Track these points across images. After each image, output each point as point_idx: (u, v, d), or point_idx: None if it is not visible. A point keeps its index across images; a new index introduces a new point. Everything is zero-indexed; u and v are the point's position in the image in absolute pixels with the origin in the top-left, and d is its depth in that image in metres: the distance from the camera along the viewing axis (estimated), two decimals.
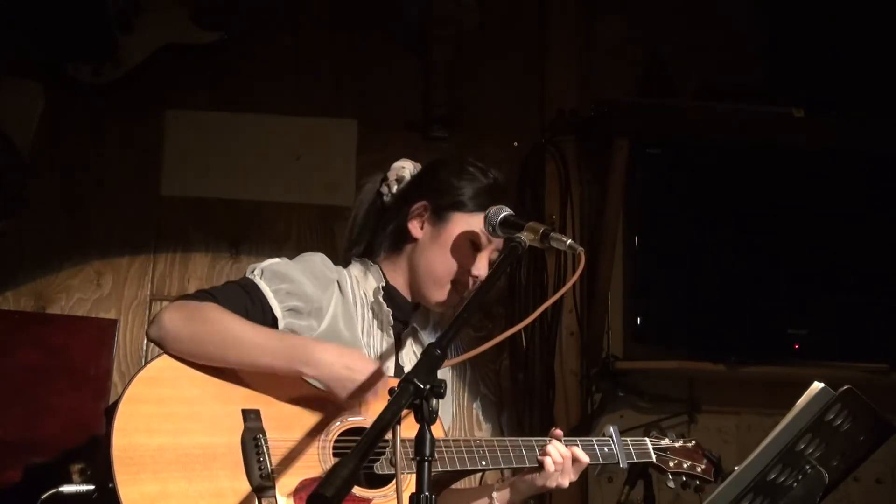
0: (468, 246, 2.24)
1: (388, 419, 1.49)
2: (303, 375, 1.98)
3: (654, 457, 2.33)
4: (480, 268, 2.25)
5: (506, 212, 2.18)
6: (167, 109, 3.57)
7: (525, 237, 2.01)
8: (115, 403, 1.88)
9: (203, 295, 2.02)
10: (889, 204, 3.58)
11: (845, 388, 1.81)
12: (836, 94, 3.61)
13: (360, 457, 1.44)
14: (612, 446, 2.26)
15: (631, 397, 3.59)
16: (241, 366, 1.97)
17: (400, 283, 2.29)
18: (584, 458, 2.18)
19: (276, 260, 2.16)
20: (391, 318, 2.25)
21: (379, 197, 2.39)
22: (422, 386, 1.53)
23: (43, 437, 3.18)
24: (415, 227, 2.27)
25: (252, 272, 2.12)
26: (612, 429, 2.30)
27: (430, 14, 3.64)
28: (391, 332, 2.26)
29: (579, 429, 3.50)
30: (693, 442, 2.42)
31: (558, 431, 2.22)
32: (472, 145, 3.63)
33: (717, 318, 3.48)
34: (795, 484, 1.84)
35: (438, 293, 2.24)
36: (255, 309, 2.05)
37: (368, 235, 2.36)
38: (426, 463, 1.53)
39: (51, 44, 3.44)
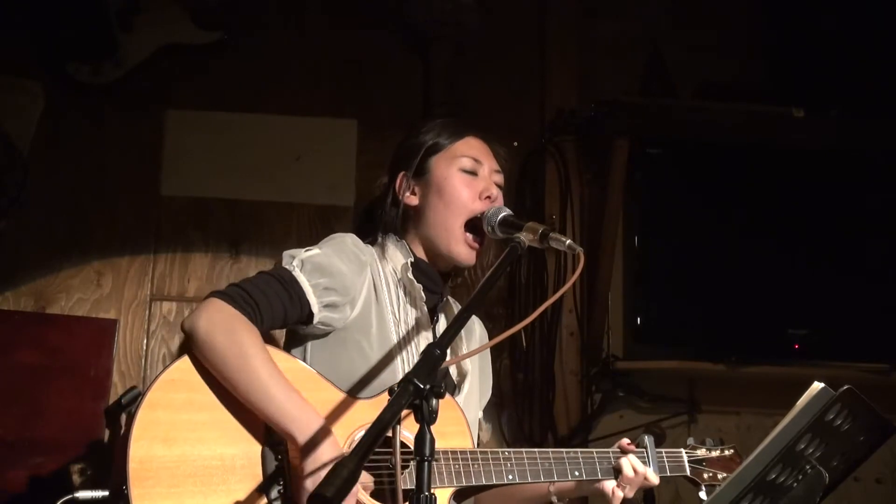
0: (464, 175, 2.23)
1: (388, 419, 1.49)
2: (288, 443, 1.90)
3: (688, 470, 2.31)
4: (488, 187, 2.24)
5: (505, 212, 2.18)
6: (167, 109, 3.58)
7: (524, 237, 1.99)
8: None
9: (243, 296, 1.95)
10: (889, 204, 3.59)
11: (845, 388, 1.81)
12: (836, 94, 3.61)
13: (361, 457, 1.43)
14: (647, 459, 2.24)
15: (631, 397, 3.60)
16: (245, 401, 1.90)
17: (425, 254, 2.27)
18: (655, 481, 2.20)
19: (316, 251, 2.11)
20: (422, 292, 2.22)
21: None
22: (422, 386, 1.53)
23: (43, 437, 3.18)
24: (407, 198, 2.27)
25: (290, 263, 2.07)
26: (647, 439, 2.26)
27: (430, 14, 3.64)
28: (424, 307, 2.23)
29: (579, 429, 3.50)
30: (732, 450, 2.37)
31: (628, 444, 2.23)
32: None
33: (717, 318, 3.48)
34: (795, 484, 1.84)
35: (458, 243, 2.21)
36: (294, 305, 2.02)
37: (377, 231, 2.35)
38: (426, 463, 1.53)
39: (51, 44, 3.45)
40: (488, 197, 2.23)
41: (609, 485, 2.20)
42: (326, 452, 1.84)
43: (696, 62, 3.84)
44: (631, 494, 2.19)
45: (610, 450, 2.22)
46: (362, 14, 3.74)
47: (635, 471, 2.17)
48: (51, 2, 3.42)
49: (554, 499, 2.21)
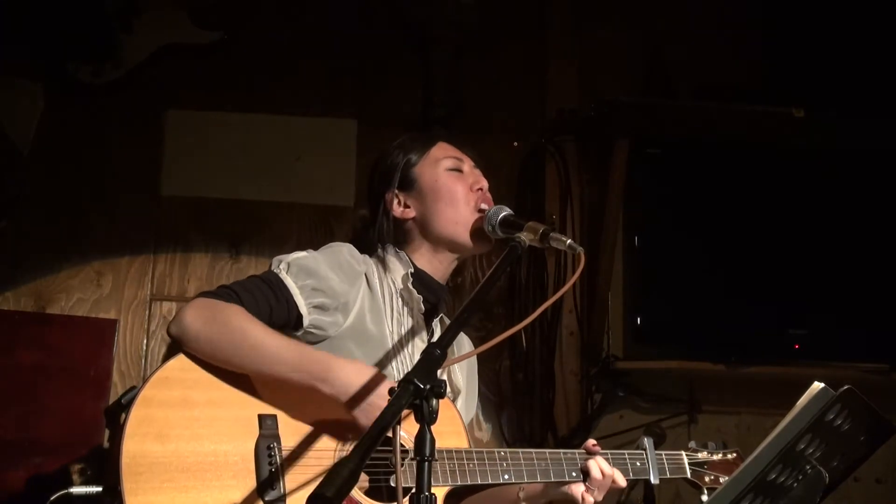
0: (451, 175, 2.27)
1: (388, 419, 1.49)
2: (320, 391, 1.91)
3: (689, 472, 2.30)
4: (477, 179, 2.28)
5: (505, 212, 2.18)
6: (167, 109, 3.58)
7: (525, 237, 1.99)
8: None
9: (227, 292, 1.97)
10: (888, 204, 3.59)
11: (845, 388, 1.80)
12: (836, 94, 3.61)
13: (361, 456, 1.44)
14: (646, 460, 2.23)
15: (631, 397, 3.59)
16: (258, 374, 1.93)
17: (428, 263, 2.27)
18: (622, 483, 2.17)
19: (303, 254, 2.12)
20: (422, 304, 2.22)
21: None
22: (422, 386, 1.53)
23: (43, 437, 3.18)
24: (403, 213, 2.28)
25: (278, 266, 2.07)
26: (646, 441, 2.25)
27: (430, 14, 3.64)
28: (422, 319, 2.24)
29: (579, 429, 3.50)
30: (735, 454, 2.35)
31: (594, 445, 2.18)
32: (472, 145, 3.63)
33: (717, 318, 3.48)
34: (795, 484, 1.84)
35: (470, 229, 2.23)
36: (280, 306, 2.02)
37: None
38: (426, 463, 1.53)
39: (51, 44, 3.45)
40: (480, 188, 2.26)
41: (578, 489, 2.16)
42: (362, 375, 1.89)
43: (695, 62, 3.83)
44: (600, 498, 2.15)
45: (577, 451, 2.19)
46: (362, 14, 3.74)
47: (603, 473, 2.14)
48: (51, 2, 3.42)
49: None
